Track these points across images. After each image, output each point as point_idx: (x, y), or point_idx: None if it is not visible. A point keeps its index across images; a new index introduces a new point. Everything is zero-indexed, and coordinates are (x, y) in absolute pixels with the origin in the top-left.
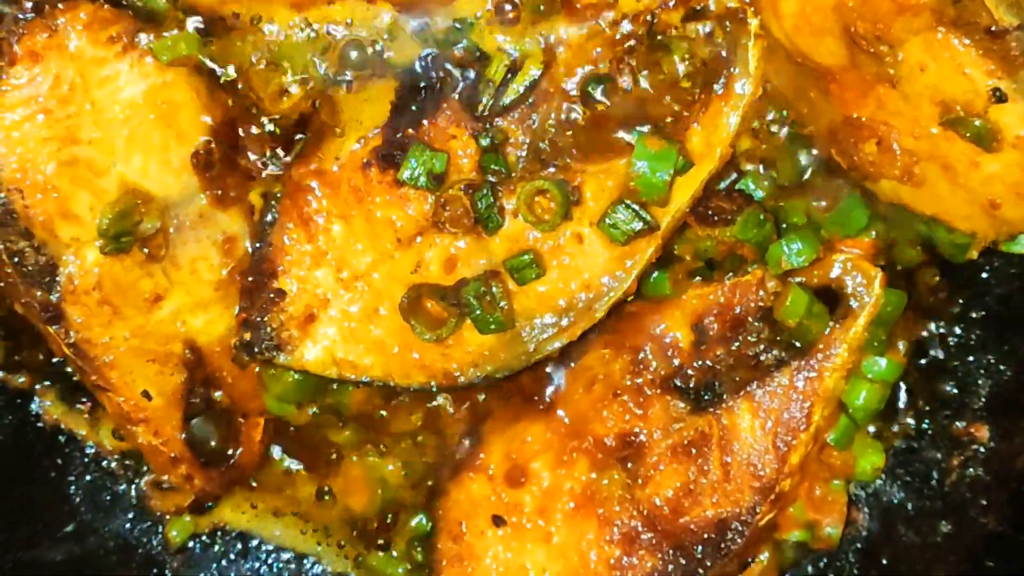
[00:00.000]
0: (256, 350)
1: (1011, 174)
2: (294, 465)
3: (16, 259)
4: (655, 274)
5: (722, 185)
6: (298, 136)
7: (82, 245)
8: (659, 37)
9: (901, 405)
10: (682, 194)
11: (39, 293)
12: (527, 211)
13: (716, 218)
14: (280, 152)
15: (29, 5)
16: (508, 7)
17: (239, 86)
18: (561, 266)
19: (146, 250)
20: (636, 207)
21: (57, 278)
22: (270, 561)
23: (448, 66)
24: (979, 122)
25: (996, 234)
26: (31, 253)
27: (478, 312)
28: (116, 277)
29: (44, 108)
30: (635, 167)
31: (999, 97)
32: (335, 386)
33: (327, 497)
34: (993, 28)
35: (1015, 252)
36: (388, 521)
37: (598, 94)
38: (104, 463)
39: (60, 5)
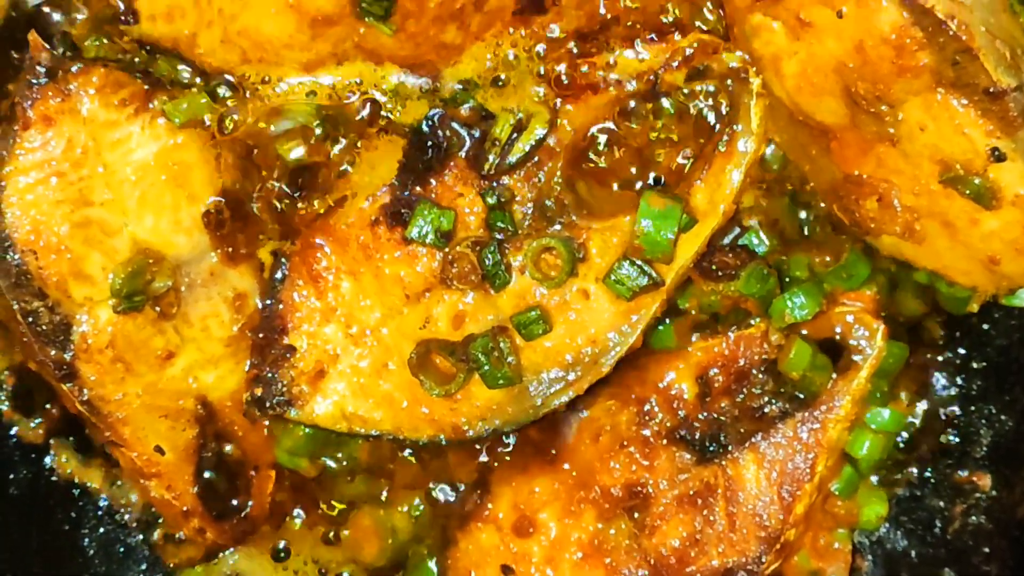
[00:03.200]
0: (267, 405)
1: (1010, 231)
2: (304, 515)
3: (30, 319)
4: (660, 327)
5: (726, 240)
6: (307, 195)
7: (95, 304)
8: (663, 96)
9: (904, 454)
10: (686, 250)
11: (53, 352)
12: (534, 268)
13: (720, 273)
14: (289, 210)
15: (42, 70)
16: (502, 77)
17: (249, 146)
18: (568, 321)
19: (158, 308)
20: (641, 263)
21: (71, 337)
22: None
23: (455, 125)
24: (978, 180)
25: (996, 288)
26: (45, 313)
27: (486, 367)
28: (129, 335)
29: (57, 171)
30: (640, 225)
31: (998, 156)
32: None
33: (336, 543)
34: (991, 89)
35: (1015, 306)
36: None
37: (602, 153)
38: (117, 516)
39: (73, 70)
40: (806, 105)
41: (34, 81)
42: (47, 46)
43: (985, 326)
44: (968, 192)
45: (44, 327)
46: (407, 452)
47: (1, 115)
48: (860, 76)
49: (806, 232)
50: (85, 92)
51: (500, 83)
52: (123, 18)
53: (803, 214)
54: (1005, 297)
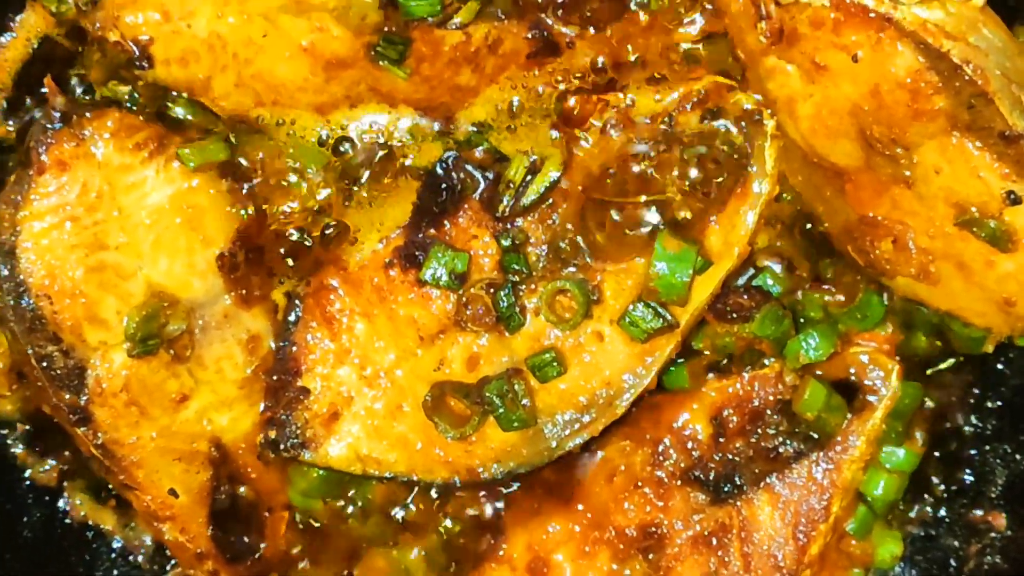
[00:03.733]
0: (281, 448)
1: None
2: (317, 556)
3: (45, 363)
4: (674, 367)
5: (740, 281)
6: (322, 236)
7: (109, 348)
8: (677, 138)
9: (919, 494)
10: (701, 292)
11: (67, 396)
12: (548, 310)
13: (734, 315)
14: (303, 253)
15: (57, 115)
16: (516, 119)
17: (263, 188)
18: (582, 363)
19: (172, 351)
20: (656, 306)
21: (85, 381)
22: None
23: (469, 167)
24: (994, 223)
25: (1011, 330)
26: (59, 357)
27: (501, 410)
28: (143, 379)
29: (72, 215)
30: (655, 268)
31: (1014, 200)
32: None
33: None
34: (1007, 133)
35: None
36: None
37: (616, 194)
38: (131, 558)
39: (88, 114)
40: (821, 147)
41: (49, 126)
42: (62, 91)
43: (1000, 365)
44: (983, 235)
45: (58, 371)
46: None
47: (16, 160)
48: (875, 119)
49: (820, 273)
50: (100, 136)
51: (514, 125)
52: (138, 63)
53: (817, 255)
54: (1020, 338)
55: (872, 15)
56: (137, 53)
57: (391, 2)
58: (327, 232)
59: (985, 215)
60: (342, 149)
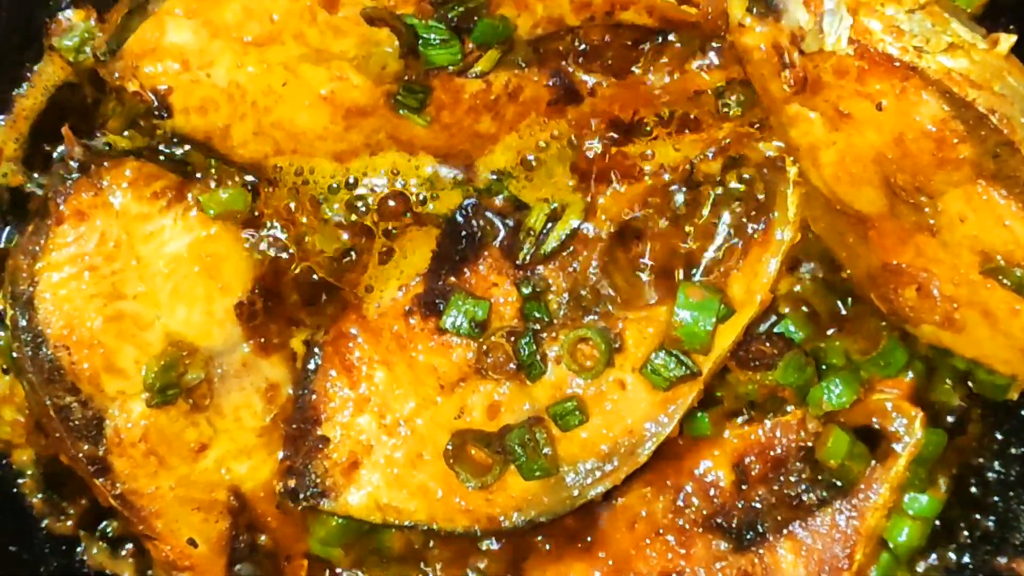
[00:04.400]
0: (301, 497)
1: None
2: None
3: (63, 414)
4: (696, 414)
5: (762, 328)
6: (341, 284)
7: (128, 398)
8: (699, 186)
9: (942, 540)
10: (723, 340)
11: (86, 447)
12: (570, 359)
13: (757, 363)
14: (323, 300)
15: (75, 165)
16: (537, 167)
17: (282, 236)
18: (604, 412)
19: (191, 400)
20: (678, 354)
21: (103, 431)
22: None
23: (489, 215)
24: (1020, 272)
25: None
26: (77, 408)
27: (523, 459)
28: (161, 428)
29: (90, 265)
30: (677, 317)
31: None
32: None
33: None
34: None
35: None
36: None
37: (637, 242)
38: None
39: (106, 164)
40: (844, 194)
41: (67, 176)
42: (80, 140)
43: (1023, 411)
44: (1009, 283)
45: (76, 422)
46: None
47: (34, 210)
48: (899, 167)
49: (843, 319)
50: (118, 186)
51: (534, 172)
52: (157, 113)
53: (840, 301)
54: None
55: (897, 64)
56: (156, 103)
57: (411, 51)
58: (347, 280)
59: (1011, 263)
60: (361, 196)
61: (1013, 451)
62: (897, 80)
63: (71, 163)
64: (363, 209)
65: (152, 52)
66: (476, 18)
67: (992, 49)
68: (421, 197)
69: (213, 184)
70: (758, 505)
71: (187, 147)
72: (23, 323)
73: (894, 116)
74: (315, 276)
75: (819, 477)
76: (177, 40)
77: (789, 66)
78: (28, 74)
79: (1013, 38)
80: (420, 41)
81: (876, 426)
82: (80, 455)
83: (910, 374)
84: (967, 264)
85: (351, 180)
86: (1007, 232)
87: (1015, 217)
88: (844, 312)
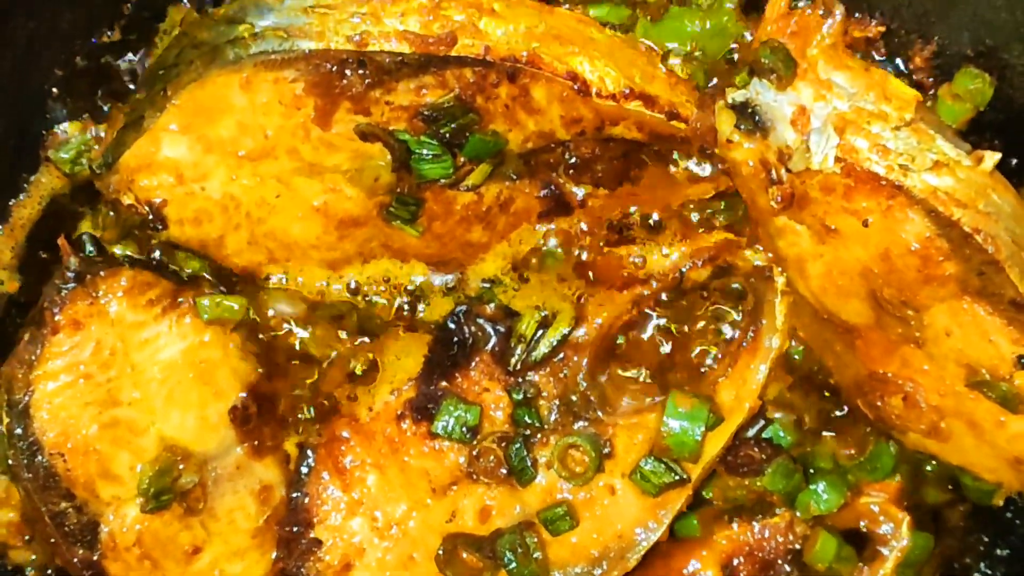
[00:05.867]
0: None
1: None
2: None
3: (58, 520)
4: (685, 516)
5: (750, 432)
6: (333, 389)
7: (122, 503)
8: (688, 293)
9: None
10: (713, 447)
11: (81, 551)
12: (561, 466)
13: (745, 468)
14: (316, 403)
15: (71, 275)
16: (527, 274)
17: (275, 341)
18: (594, 517)
19: (185, 504)
20: (667, 461)
21: (98, 536)
22: None
23: (480, 321)
24: (1005, 386)
25: (1021, 486)
26: (73, 513)
27: (513, 564)
28: (156, 532)
29: (85, 374)
30: (667, 425)
31: None
32: None
33: None
34: (1018, 300)
35: None
36: None
37: (627, 349)
38: None
39: (101, 273)
40: (831, 305)
41: (63, 286)
42: (75, 251)
43: (1009, 514)
44: (994, 396)
45: (71, 527)
46: None
47: (31, 319)
48: (886, 282)
49: (830, 425)
50: (113, 294)
51: (525, 280)
52: (151, 225)
53: (827, 408)
54: None
55: (883, 183)
56: (151, 215)
57: (403, 165)
58: (339, 384)
59: (996, 378)
60: (354, 304)
61: (999, 552)
62: (883, 198)
63: (67, 273)
64: (356, 316)
65: (147, 166)
66: (468, 134)
67: (977, 166)
68: (413, 304)
69: (208, 290)
70: None
71: (182, 255)
72: (19, 431)
73: (880, 232)
74: (308, 381)
75: None
76: (172, 155)
77: (776, 182)
78: (25, 184)
79: (997, 155)
80: (412, 156)
81: (864, 529)
82: (75, 560)
83: (898, 478)
84: (953, 376)
85: (344, 288)
86: (992, 347)
87: (1000, 333)
88: (831, 417)
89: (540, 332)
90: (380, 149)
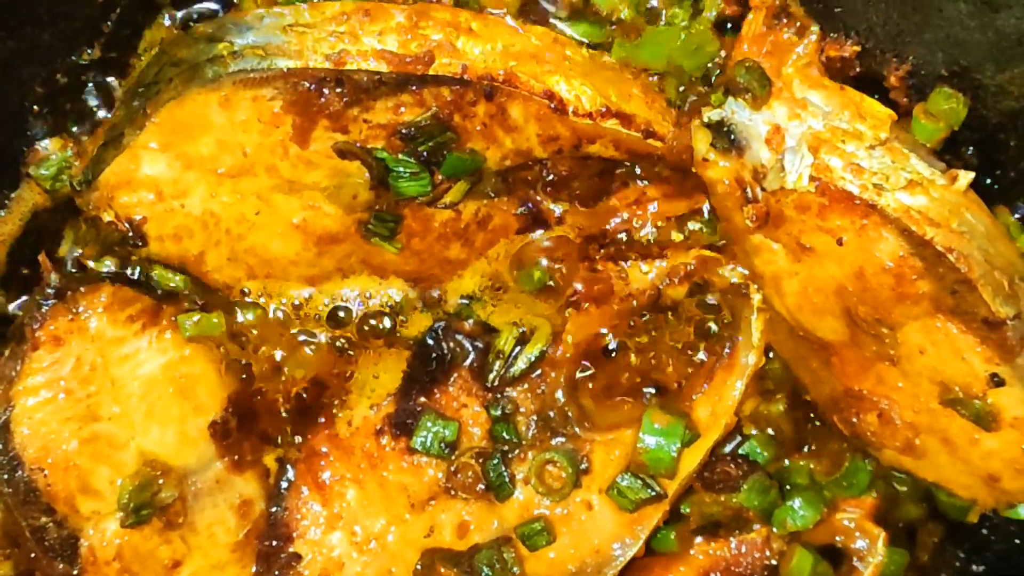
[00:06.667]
0: None
1: (1009, 451)
2: None
3: (38, 535)
4: (662, 531)
5: (727, 448)
6: (313, 403)
7: (102, 518)
8: (665, 310)
9: None
10: (689, 463)
11: (60, 566)
12: (538, 481)
13: (722, 485)
14: (295, 419)
15: (51, 291)
16: (505, 290)
17: (254, 356)
18: (571, 532)
19: (165, 518)
20: (644, 477)
21: (78, 551)
22: None
23: (458, 337)
24: (978, 403)
25: (996, 503)
26: (52, 528)
27: None
28: (135, 546)
29: (66, 389)
30: (643, 442)
31: (998, 382)
32: None
33: None
34: (990, 319)
35: (1016, 518)
36: None
37: (604, 365)
38: None
39: (82, 289)
40: (807, 322)
41: (43, 302)
42: (55, 267)
43: (984, 531)
44: (968, 414)
45: (51, 542)
46: None
47: (11, 335)
48: (860, 299)
49: (806, 441)
50: (93, 310)
51: (503, 297)
52: (132, 242)
53: (803, 423)
54: (1004, 510)
55: (857, 201)
56: (131, 233)
57: (382, 183)
58: (318, 399)
59: (969, 395)
60: (333, 319)
61: (974, 568)
62: (857, 217)
63: (47, 290)
64: (334, 330)
65: (127, 184)
66: (445, 152)
67: (951, 185)
68: (392, 320)
69: (187, 306)
70: None
71: (162, 271)
72: None
73: (854, 251)
74: (286, 396)
75: None
76: (152, 172)
77: (752, 201)
78: (6, 200)
79: (971, 175)
80: (391, 174)
81: (840, 545)
82: (55, 574)
83: (873, 494)
84: (927, 393)
85: (323, 303)
86: (965, 365)
87: (973, 351)
88: (808, 433)
89: (518, 348)
90: (358, 167)
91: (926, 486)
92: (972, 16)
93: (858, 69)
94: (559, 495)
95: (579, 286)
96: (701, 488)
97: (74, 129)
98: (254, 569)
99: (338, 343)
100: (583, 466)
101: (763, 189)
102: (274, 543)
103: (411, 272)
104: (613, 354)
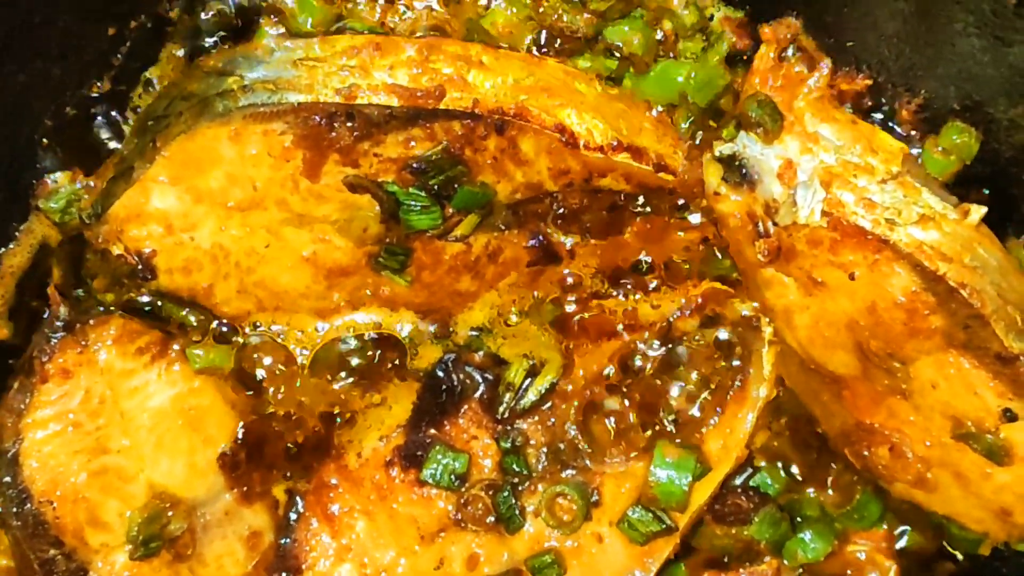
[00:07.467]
0: None
1: (1022, 485)
2: None
3: (46, 567)
4: (672, 563)
5: (738, 481)
6: (323, 435)
7: (111, 550)
8: (676, 343)
9: None
10: (700, 496)
11: None
12: (548, 514)
13: (732, 518)
14: (304, 451)
15: (60, 324)
16: (516, 323)
17: (264, 388)
18: (582, 565)
19: (173, 550)
20: (655, 510)
21: None
22: None
23: (468, 369)
24: (991, 438)
25: (1008, 537)
26: (61, 561)
27: None
28: None
29: (75, 422)
30: (654, 476)
31: (1010, 417)
32: None
33: None
34: (1003, 355)
35: None
36: None
37: (615, 398)
38: None
39: (91, 322)
40: (818, 356)
41: (52, 335)
42: (65, 300)
43: (996, 563)
44: (980, 448)
45: (60, 574)
46: None
47: (20, 367)
48: (872, 334)
49: (818, 473)
50: (102, 343)
51: (513, 329)
52: (141, 275)
53: (814, 455)
54: (1017, 544)
55: (869, 237)
56: (140, 266)
57: (392, 216)
58: (329, 430)
59: (982, 430)
60: (343, 351)
61: None
62: (869, 252)
63: (56, 323)
64: (345, 363)
65: (137, 217)
66: (456, 185)
67: (963, 220)
68: (402, 351)
69: (196, 339)
70: None
71: (171, 304)
72: (8, 479)
73: (866, 286)
74: (296, 427)
75: None
76: (161, 205)
77: (764, 235)
78: (15, 233)
79: (983, 209)
80: (401, 207)
81: None
82: None
83: (884, 526)
84: (939, 427)
85: (333, 335)
86: (978, 400)
87: (986, 386)
88: (818, 466)
89: (528, 380)
90: (369, 200)
91: (937, 520)
92: (985, 51)
93: (869, 103)
94: (569, 528)
95: (590, 319)
96: (712, 520)
97: (84, 162)
98: None
99: (348, 376)
100: (594, 499)
101: (775, 223)
102: (283, 575)
103: (421, 304)
104: (623, 389)
